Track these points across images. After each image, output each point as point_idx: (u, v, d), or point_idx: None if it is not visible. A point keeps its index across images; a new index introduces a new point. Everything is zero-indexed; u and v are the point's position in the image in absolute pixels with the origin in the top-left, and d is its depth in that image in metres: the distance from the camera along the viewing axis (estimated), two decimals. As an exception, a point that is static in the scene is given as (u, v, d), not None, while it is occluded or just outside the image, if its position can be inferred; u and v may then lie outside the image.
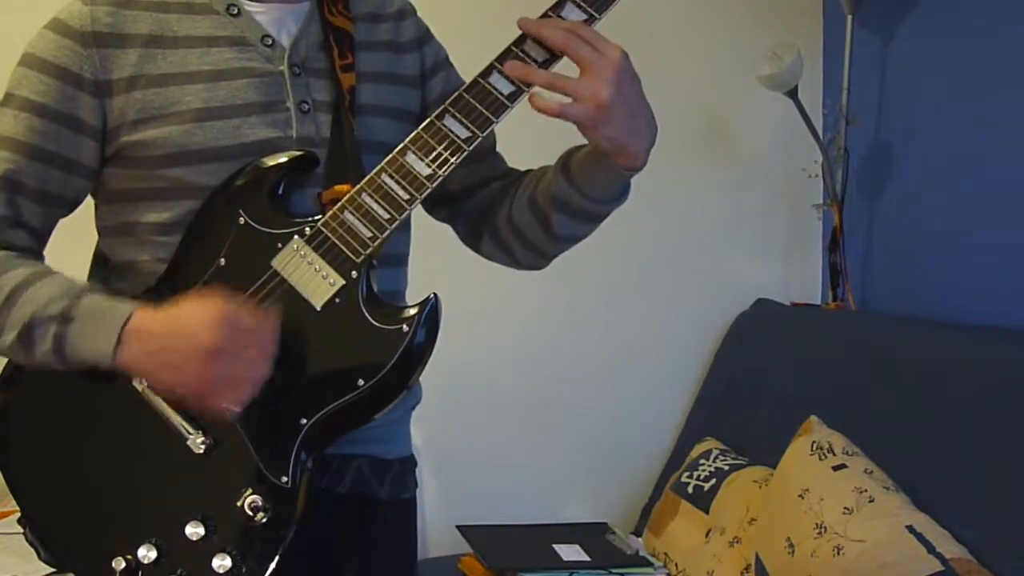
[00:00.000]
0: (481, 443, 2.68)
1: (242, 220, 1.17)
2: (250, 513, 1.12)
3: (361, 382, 1.13)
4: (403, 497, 1.36)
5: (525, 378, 2.71)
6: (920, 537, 1.79)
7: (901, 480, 1.96)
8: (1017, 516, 1.77)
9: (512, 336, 2.70)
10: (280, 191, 1.19)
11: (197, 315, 1.07)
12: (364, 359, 1.14)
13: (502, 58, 1.17)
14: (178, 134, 1.17)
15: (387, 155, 1.20)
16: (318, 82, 1.25)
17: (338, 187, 1.18)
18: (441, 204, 1.41)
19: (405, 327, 1.13)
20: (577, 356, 2.74)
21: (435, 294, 1.16)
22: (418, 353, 1.15)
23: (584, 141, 1.20)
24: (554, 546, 2.30)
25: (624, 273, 2.77)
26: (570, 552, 2.28)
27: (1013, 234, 2.22)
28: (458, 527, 2.36)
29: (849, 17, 2.61)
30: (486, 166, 1.39)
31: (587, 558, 2.26)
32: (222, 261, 1.17)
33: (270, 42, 1.23)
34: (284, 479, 1.12)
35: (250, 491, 1.12)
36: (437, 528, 2.65)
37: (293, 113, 1.22)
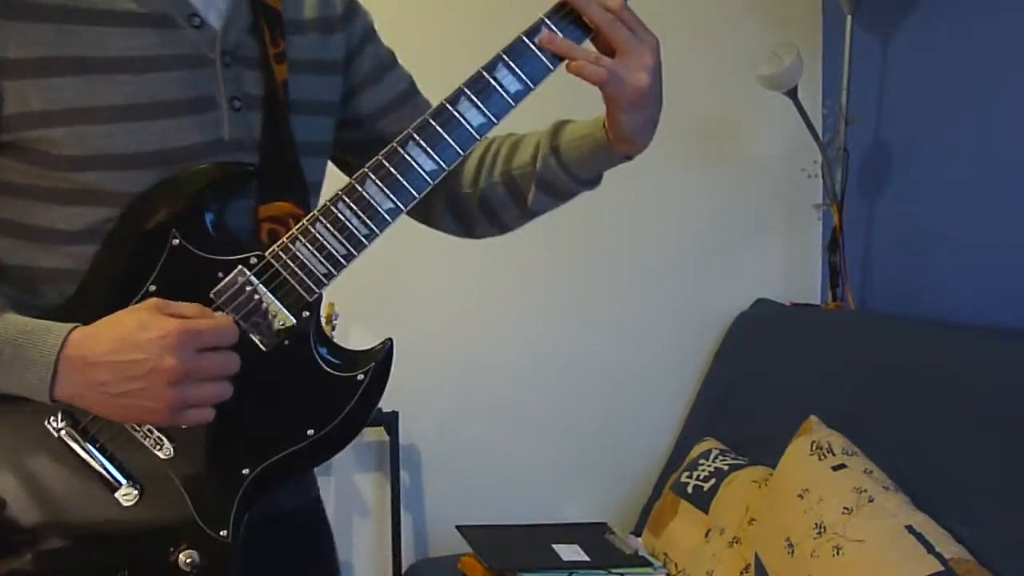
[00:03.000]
0: (481, 443, 2.68)
1: (176, 241, 1.04)
2: (185, 569, 1.04)
3: (311, 432, 1.05)
4: (311, 496, 1.26)
5: (525, 378, 2.71)
6: (920, 537, 1.79)
7: (901, 480, 1.95)
8: (1017, 516, 1.77)
9: (512, 336, 2.70)
10: (216, 207, 1.06)
11: (151, 335, 0.96)
12: (314, 408, 1.06)
13: (471, 84, 1.08)
14: (96, 135, 1.02)
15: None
16: (250, 74, 1.10)
17: (278, 204, 1.09)
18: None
19: (360, 375, 1.06)
20: (577, 356, 2.74)
21: (391, 339, 1.09)
22: (372, 402, 1.08)
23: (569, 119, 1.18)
24: (554, 546, 2.29)
25: (624, 273, 2.77)
26: (570, 552, 2.28)
27: (1013, 234, 2.22)
28: (458, 527, 2.36)
29: (849, 17, 2.61)
30: (410, 110, 1.25)
31: (587, 558, 2.26)
32: (152, 287, 1.03)
33: (198, 22, 1.07)
34: (223, 532, 1.04)
35: (185, 545, 1.04)
36: (437, 528, 2.65)
37: (224, 112, 1.08)
